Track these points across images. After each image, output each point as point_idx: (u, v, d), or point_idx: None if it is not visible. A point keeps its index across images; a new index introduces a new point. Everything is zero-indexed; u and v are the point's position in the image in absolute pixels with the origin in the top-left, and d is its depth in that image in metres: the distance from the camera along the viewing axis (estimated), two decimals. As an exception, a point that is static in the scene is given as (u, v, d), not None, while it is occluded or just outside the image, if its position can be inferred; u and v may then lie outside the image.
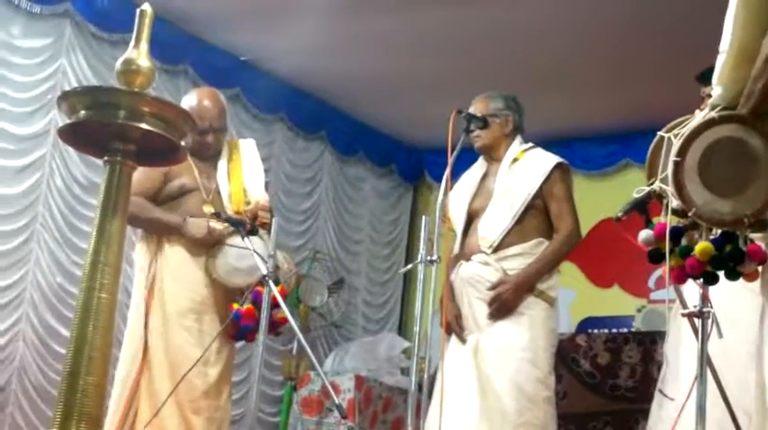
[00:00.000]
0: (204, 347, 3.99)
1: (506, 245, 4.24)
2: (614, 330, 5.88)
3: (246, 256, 3.98)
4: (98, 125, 2.41)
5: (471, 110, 4.38)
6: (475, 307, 4.22)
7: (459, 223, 4.42)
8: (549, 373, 4.14)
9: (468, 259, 4.31)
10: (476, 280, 4.24)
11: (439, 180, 7.87)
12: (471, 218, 4.40)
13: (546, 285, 4.21)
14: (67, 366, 2.34)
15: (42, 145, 5.70)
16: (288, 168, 7.39)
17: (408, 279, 8.12)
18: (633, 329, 6.17)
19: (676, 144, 2.44)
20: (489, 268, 4.23)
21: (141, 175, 3.93)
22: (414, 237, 8.26)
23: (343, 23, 6.12)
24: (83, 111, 2.38)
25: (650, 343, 5.35)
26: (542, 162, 4.34)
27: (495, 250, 4.24)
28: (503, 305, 4.14)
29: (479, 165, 4.53)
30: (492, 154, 4.44)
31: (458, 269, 4.32)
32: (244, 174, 4.42)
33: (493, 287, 4.17)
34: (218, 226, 4.12)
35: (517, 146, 4.42)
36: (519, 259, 4.22)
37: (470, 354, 4.14)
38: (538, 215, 4.30)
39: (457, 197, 4.49)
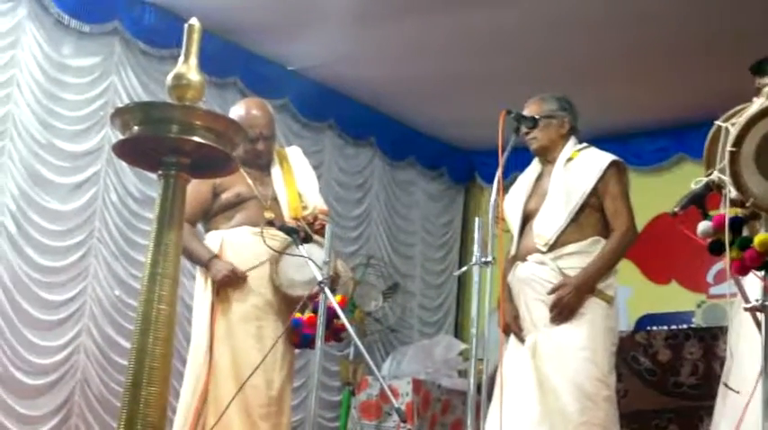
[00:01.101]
0: (266, 352, 4.01)
1: (562, 243, 4.22)
2: (674, 327, 5.81)
3: (305, 267, 4.01)
4: (151, 140, 2.44)
5: (525, 113, 4.36)
6: (532, 307, 4.20)
7: (515, 224, 4.41)
8: (609, 372, 4.10)
9: (524, 260, 4.29)
10: (532, 280, 4.22)
11: (489, 181, 7.85)
12: (527, 218, 4.39)
13: (603, 284, 4.18)
14: (129, 377, 2.37)
15: (97, 161, 5.78)
16: (338, 175, 7.41)
17: (463, 281, 8.09)
18: (694, 325, 6.09)
19: (733, 134, 2.40)
20: (545, 267, 4.21)
21: (188, 196, 3.99)
22: (466, 238, 8.25)
23: (388, 28, 6.12)
24: (136, 127, 2.42)
25: (711, 338, 5.28)
26: (597, 160, 4.32)
27: (551, 249, 4.22)
28: (564, 308, 4.11)
29: (534, 167, 4.51)
30: (547, 155, 4.43)
31: (514, 270, 4.30)
32: (297, 180, 4.46)
33: (553, 290, 4.15)
34: (239, 269, 4.17)
35: (571, 146, 4.41)
36: (575, 258, 4.19)
37: (529, 355, 4.12)
38: (594, 213, 4.27)
39: (512, 199, 4.49)
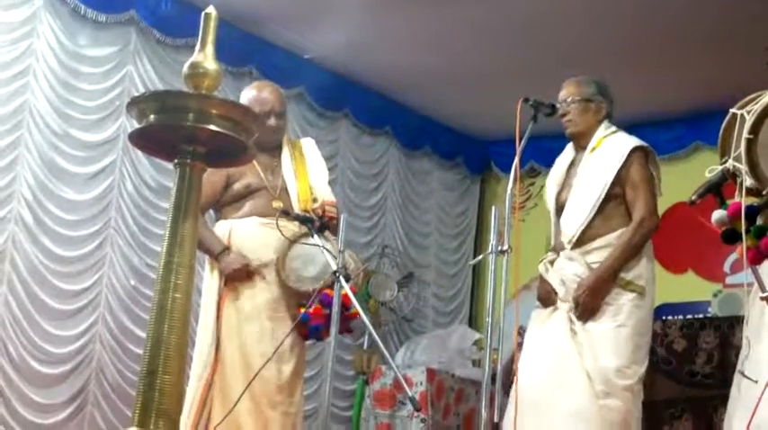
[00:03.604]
0: (276, 344, 4.02)
1: (589, 238, 4.18)
2: (690, 316, 5.79)
3: (314, 262, 4.02)
4: (167, 129, 2.45)
5: (562, 93, 4.32)
6: (567, 302, 4.19)
7: (552, 215, 4.39)
8: (633, 363, 4.07)
9: (558, 254, 4.28)
10: (564, 274, 4.21)
11: (506, 170, 7.83)
12: (561, 210, 4.35)
13: (633, 274, 4.13)
14: (145, 366, 2.38)
15: (112, 151, 5.79)
16: (354, 164, 7.41)
17: (478, 270, 8.09)
18: (710, 315, 6.06)
19: (749, 121, 2.38)
20: (574, 263, 4.19)
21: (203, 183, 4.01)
22: (482, 228, 8.24)
23: (405, 18, 6.11)
24: (152, 116, 2.42)
25: (727, 328, 5.26)
26: (620, 147, 4.24)
27: (578, 245, 4.19)
28: (583, 309, 4.11)
29: (568, 153, 4.45)
30: (581, 141, 4.36)
31: (552, 264, 4.29)
32: (309, 172, 4.45)
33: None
34: (250, 263, 4.17)
35: (601, 132, 4.33)
36: (603, 252, 4.15)
37: (568, 341, 4.13)
38: (621, 204, 4.21)
39: (548, 187, 4.47)
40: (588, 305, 4.09)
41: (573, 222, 4.22)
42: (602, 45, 6.27)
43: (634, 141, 4.27)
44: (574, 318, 4.13)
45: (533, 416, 4.01)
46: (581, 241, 4.19)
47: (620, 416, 4.04)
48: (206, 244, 4.17)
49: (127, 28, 5.91)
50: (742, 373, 3.03)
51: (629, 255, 4.14)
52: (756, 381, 2.99)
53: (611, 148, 4.26)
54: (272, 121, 4.33)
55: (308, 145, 4.60)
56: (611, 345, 4.04)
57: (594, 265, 4.13)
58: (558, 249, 4.30)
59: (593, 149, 4.29)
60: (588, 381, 4.02)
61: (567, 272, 4.19)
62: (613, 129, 4.37)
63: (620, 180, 4.19)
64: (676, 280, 7.23)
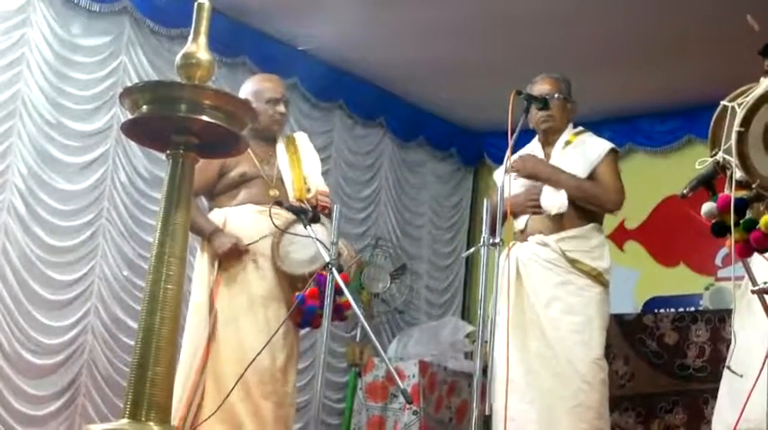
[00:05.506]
0: (270, 334, 4.02)
1: (563, 226, 4.26)
2: (681, 309, 5.80)
3: (309, 247, 4.02)
4: (160, 119, 2.44)
5: (537, 89, 4.37)
6: (532, 287, 4.21)
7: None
8: (603, 355, 4.16)
9: (524, 240, 4.31)
10: (534, 260, 4.24)
11: (499, 162, 7.82)
12: None
13: (603, 267, 4.22)
14: (136, 357, 2.38)
15: (106, 141, 5.77)
16: (348, 155, 7.40)
17: (471, 262, 8.09)
18: (701, 308, 6.08)
19: (740, 113, 2.38)
20: (547, 248, 4.23)
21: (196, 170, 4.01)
22: (475, 220, 8.24)
23: (399, 9, 6.09)
24: (145, 106, 2.42)
25: (719, 321, 5.28)
26: (597, 145, 4.40)
27: (550, 233, 4.24)
28: (520, 166, 4.29)
29: (533, 148, 4.51)
30: (550, 137, 4.46)
31: (514, 250, 4.31)
32: (303, 163, 4.47)
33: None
34: (242, 241, 4.19)
35: (571, 130, 4.48)
36: (577, 241, 4.24)
37: (525, 336, 4.14)
38: None
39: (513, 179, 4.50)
40: (523, 166, 4.30)
41: (549, 210, 4.27)
42: (596, 39, 6.27)
43: (609, 143, 4.44)
44: (537, 323, 4.17)
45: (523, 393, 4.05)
46: (555, 229, 4.23)
47: (599, 408, 4.07)
48: (197, 225, 4.18)
49: (120, 17, 5.89)
50: (728, 368, 3.04)
51: (579, 191, 4.27)
52: (741, 376, 3.00)
53: (587, 146, 4.40)
54: (281, 107, 4.38)
55: (302, 138, 4.65)
56: (584, 338, 4.10)
57: (568, 253, 4.20)
58: (522, 237, 4.35)
59: (567, 144, 4.40)
60: (573, 364, 4.07)
61: (539, 256, 4.23)
62: (581, 128, 4.52)
63: (593, 175, 4.32)
64: (668, 273, 7.25)
